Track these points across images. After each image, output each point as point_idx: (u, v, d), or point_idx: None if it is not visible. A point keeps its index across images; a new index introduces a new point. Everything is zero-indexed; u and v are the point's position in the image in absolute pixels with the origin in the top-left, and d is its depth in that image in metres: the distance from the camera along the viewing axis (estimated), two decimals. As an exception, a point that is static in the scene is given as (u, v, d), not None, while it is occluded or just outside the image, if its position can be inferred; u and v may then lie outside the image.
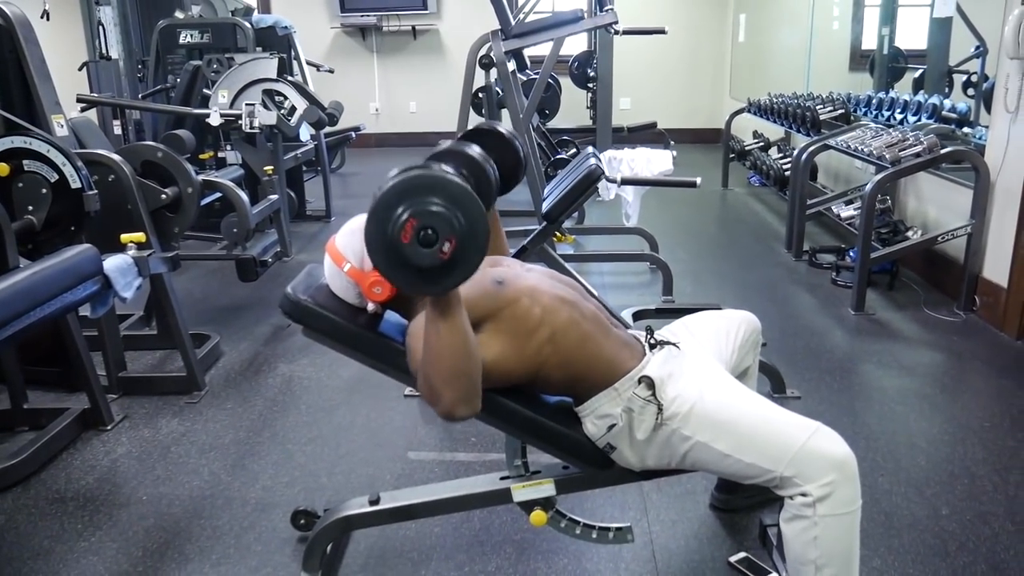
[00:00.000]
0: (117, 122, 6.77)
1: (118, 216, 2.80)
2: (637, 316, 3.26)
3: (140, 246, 2.34)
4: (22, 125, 2.38)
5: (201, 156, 5.02)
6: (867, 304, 3.76)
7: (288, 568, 1.99)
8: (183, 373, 3.02)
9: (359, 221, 1.70)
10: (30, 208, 2.42)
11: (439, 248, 1.30)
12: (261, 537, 2.13)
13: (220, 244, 4.75)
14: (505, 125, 2.07)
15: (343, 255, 1.67)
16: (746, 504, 2.18)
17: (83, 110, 4.36)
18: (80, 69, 7.01)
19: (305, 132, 5.83)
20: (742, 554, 1.99)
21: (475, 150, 1.83)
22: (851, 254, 4.26)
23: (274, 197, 3.75)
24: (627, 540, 1.89)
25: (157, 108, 4.68)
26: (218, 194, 3.23)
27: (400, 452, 2.55)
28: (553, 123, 7.75)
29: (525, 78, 6.40)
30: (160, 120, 5.01)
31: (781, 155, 5.97)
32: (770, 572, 1.91)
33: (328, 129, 6.40)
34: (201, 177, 3.11)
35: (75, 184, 2.38)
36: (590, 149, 3.16)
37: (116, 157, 2.80)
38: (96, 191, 2.42)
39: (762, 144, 6.57)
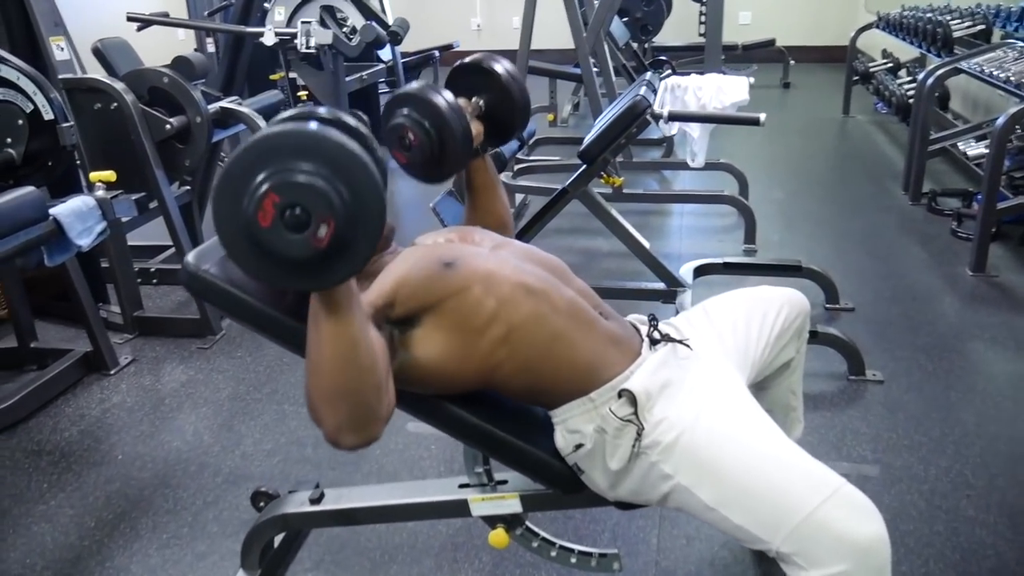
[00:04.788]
0: (211, 40, 6.67)
1: (122, 147, 2.60)
2: (699, 272, 2.84)
3: (110, 186, 2.11)
4: (-7, 50, 2.17)
5: (272, 77, 4.80)
6: (989, 264, 3.15)
7: (235, 559, 1.76)
8: (198, 316, 2.85)
9: None
10: (8, 140, 2.22)
11: (312, 233, 0.94)
12: (220, 516, 1.93)
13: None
14: (505, 62, 1.65)
15: None
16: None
17: (139, 29, 4.20)
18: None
19: (387, 52, 5.52)
20: (761, 592, 1.61)
21: (443, 99, 1.45)
22: (979, 199, 3.60)
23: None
24: (612, 570, 1.55)
25: (209, 27, 4.47)
26: (241, 126, 2.97)
27: (399, 423, 2.27)
28: (660, 40, 7.11)
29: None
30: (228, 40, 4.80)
31: (910, 79, 5.18)
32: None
33: (410, 48, 6.07)
34: (219, 105, 2.86)
35: (48, 115, 2.16)
36: (647, 75, 2.70)
37: (118, 84, 2.57)
38: (72, 123, 2.20)
39: (891, 65, 5.75)
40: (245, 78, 4.75)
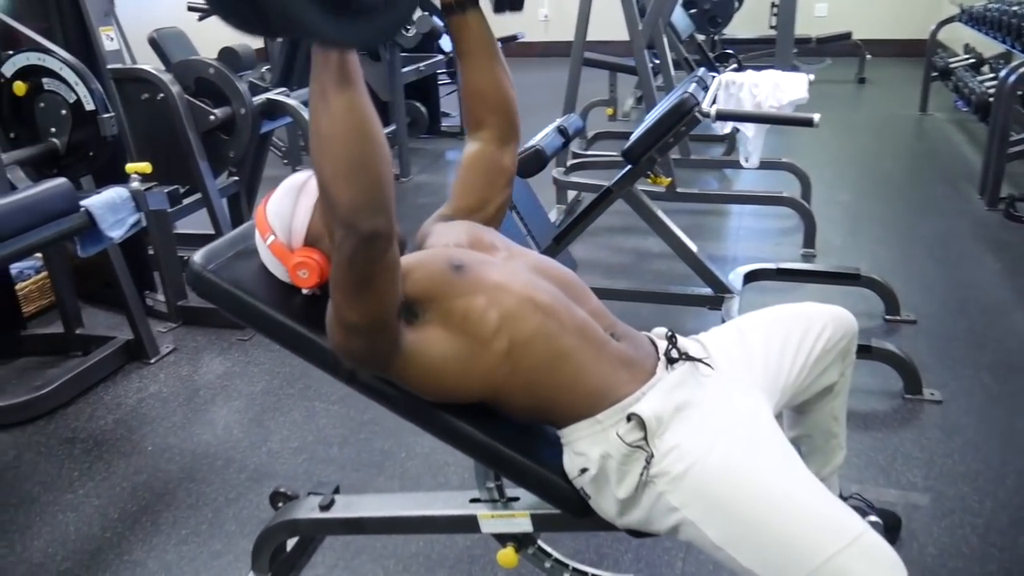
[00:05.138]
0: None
1: (168, 138, 2.61)
2: (751, 277, 2.72)
3: (146, 177, 2.11)
4: (39, 41, 2.19)
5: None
6: (1069, 277, 2.94)
7: (248, 560, 1.75)
8: (240, 307, 2.85)
9: (297, 179, 1.34)
10: (52, 131, 2.26)
11: None
12: (240, 514, 1.92)
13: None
14: None
15: (269, 223, 1.31)
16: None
17: (200, 19, 4.24)
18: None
19: (447, 42, 5.48)
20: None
21: None
22: (1062, 208, 3.37)
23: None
24: (627, 597, 1.48)
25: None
26: (288, 119, 2.96)
27: (427, 424, 2.23)
28: (730, 32, 6.90)
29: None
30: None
31: (993, 76, 4.89)
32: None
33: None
34: (266, 97, 2.86)
35: (89, 106, 2.18)
36: (699, 71, 2.58)
37: (164, 75, 2.58)
38: (112, 114, 2.21)
39: (973, 61, 5.43)
40: (305, 68, 4.78)
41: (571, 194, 3.97)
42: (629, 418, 1.17)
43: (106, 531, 1.88)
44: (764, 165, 3.96)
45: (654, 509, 1.16)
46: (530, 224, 2.70)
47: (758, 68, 2.76)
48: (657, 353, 1.31)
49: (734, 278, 2.66)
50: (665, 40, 3.74)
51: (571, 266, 2.96)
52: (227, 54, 2.73)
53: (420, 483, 2.02)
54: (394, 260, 1.09)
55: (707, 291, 2.61)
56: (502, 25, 6.31)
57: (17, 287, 2.86)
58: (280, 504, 1.88)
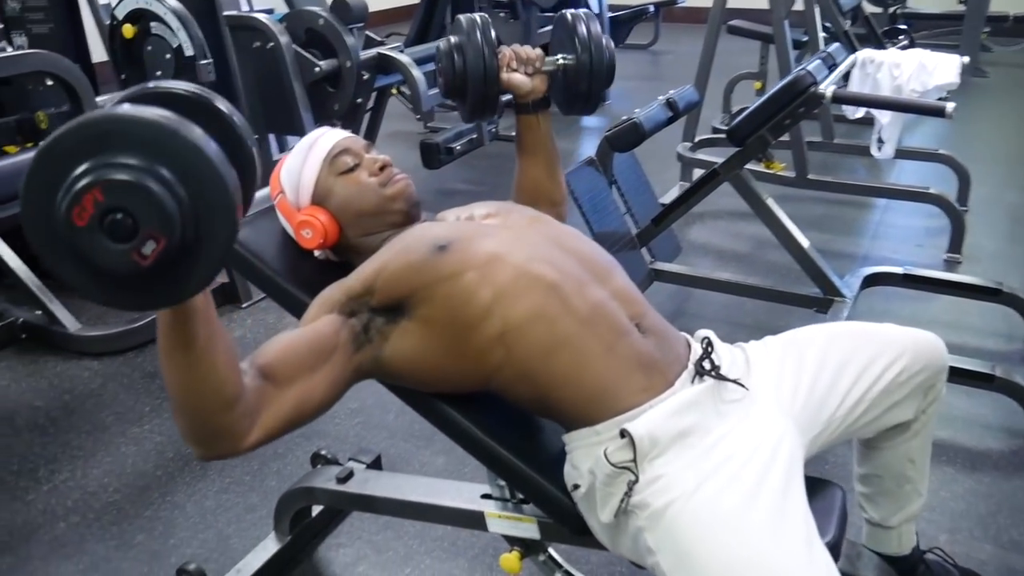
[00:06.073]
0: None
1: (276, 87, 2.64)
2: (872, 280, 2.43)
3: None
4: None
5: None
6: None
7: (278, 519, 1.75)
8: (334, 260, 2.88)
9: (310, 136, 1.29)
10: (158, 74, 2.32)
11: (136, 248, 0.72)
12: (283, 470, 1.92)
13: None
14: (592, 24, 1.40)
15: (280, 181, 1.27)
16: None
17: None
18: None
19: (595, 3, 5.30)
20: None
21: (478, 33, 1.32)
22: None
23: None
24: (637, 622, 1.34)
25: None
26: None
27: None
28: (916, 5, 6.26)
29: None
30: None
31: None
32: None
33: (621, 2, 5.81)
34: (377, 51, 2.83)
35: (189, 52, 2.21)
36: (830, 47, 2.30)
37: (275, 24, 2.60)
38: (211, 60, 2.24)
39: None
40: (442, 25, 4.75)
41: (697, 172, 3.73)
42: (623, 434, 1.03)
43: (158, 469, 1.93)
44: (917, 156, 3.59)
45: (636, 543, 1.03)
46: (631, 201, 2.54)
47: (942, 48, 2.44)
48: (687, 360, 1.15)
49: (852, 280, 2.39)
50: (817, 9, 3.38)
51: (674, 249, 2.78)
52: (339, 6, 2.70)
53: (466, 462, 1.94)
54: (262, 437, 0.98)
55: (816, 292, 2.35)
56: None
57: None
58: (319, 465, 1.88)
